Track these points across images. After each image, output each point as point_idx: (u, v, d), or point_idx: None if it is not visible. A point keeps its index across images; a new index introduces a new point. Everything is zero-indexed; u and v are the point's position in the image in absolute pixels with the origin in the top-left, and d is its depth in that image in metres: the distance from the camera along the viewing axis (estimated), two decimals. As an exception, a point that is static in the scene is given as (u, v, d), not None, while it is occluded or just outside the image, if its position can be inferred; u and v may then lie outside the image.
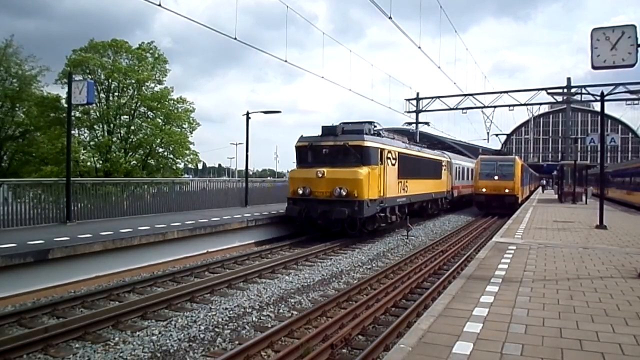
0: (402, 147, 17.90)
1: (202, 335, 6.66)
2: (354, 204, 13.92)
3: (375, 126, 16.58)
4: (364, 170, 14.19)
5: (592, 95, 31.03)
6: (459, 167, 29.56)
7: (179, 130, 32.71)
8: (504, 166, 26.62)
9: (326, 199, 14.30)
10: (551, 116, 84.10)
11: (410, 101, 37.57)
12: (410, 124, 25.30)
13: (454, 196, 27.37)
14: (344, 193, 14.05)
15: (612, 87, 29.02)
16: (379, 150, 15.20)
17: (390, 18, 15.29)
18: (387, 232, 17.73)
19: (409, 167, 18.13)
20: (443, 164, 24.68)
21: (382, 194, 15.22)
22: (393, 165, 16.36)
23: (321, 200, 14.38)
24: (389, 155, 16.00)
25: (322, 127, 15.61)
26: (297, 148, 15.78)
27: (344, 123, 16.04)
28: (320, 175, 14.40)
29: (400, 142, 18.40)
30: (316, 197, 14.51)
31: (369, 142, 14.77)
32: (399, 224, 18.08)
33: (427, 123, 26.05)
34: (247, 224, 14.47)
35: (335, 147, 14.80)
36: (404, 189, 17.53)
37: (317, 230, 15.39)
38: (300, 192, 14.72)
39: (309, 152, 15.40)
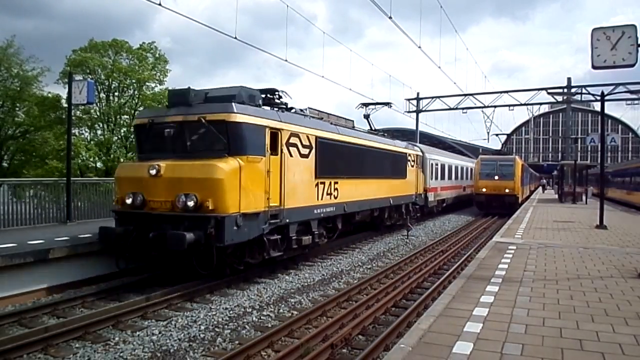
0: (323, 130, 11.81)
1: (202, 335, 6.67)
2: (207, 222, 8.11)
3: (278, 96, 11.02)
4: (227, 165, 8.39)
5: (592, 95, 31.05)
6: (437, 164, 23.93)
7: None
8: (504, 166, 26.65)
9: (167, 214, 8.49)
10: (551, 116, 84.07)
11: (411, 101, 37.67)
12: (366, 105, 17.76)
13: (429, 200, 21.94)
14: (192, 204, 8.23)
15: (612, 87, 29.02)
16: (268, 131, 9.36)
17: (390, 18, 15.33)
18: (387, 232, 17.69)
19: (342, 161, 12.65)
20: (409, 157, 18.73)
21: (276, 203, 9.56)
22: (304, 156, 10.72)
23: (158, 215, 8.59)
24: (295, 140, 10.31)
25: (169, 91, 10.34)
26: (136, 128, 10.22)
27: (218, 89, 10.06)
28: (154, 172, 8.57)
29: (327, 123, 12.64)
30: (151, 210, 8.71)
31: (244, 116, 8.86)
32: (327, 246, 13.00)
33: (389, 104, 18.46)
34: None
35: (186, 124, 9.06)
36: (330, 194, 11.95)
37: (164, 265, 9.50)
38: (129, 201, 8.88)
39: (149, 135, 9.60)
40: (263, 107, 10.17)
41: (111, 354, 5.93)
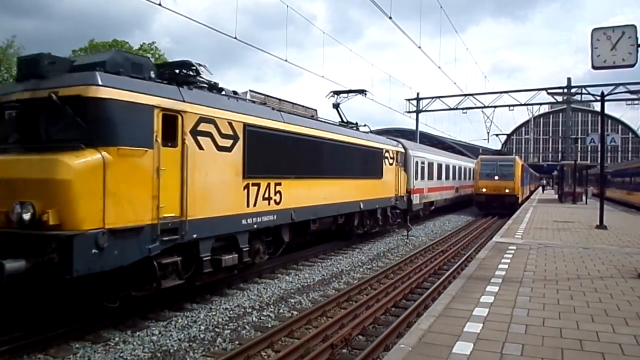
0: (257, 116, 9.18)
1: (202, 335, 6.67)
2: (46, 243, 5.67)
3: (195, 71, 8.21)
4: (79, 160, 5.89)
5: (592, 95, 31.06)
6: (424, 162, 21.53)
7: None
8: (504, 166, 26.67)
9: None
10: (551, 116, 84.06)
11: (411, 101, 37.69)
12: (337, 93, 15.83)
13: (414, 203, 19.42)
14: (28, 217, 5.80)
15: (612, 87, 29.03)
16: (159, 114, 6.85)
17: (390, 18, 15.34)
18: (387, 232, 17.67)
19: (288, 157, 10.19)
20: (387, 154, 16.16)
21: (174, 213, 7.01)
22: (225, 149, 8.18)
23: None
24: (207, 127, 7.75)
25: (18, 59, 7.62)
26: None
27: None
28: None
29: (267, 108, 9.95)
30: None
31: (113, 90, 6.33)
32: (267, 264, 10.47)
33: (363, 92, 16.15)
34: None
35: (36, 103, 6.43)
36: (269, 198, 9.43)
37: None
38: None
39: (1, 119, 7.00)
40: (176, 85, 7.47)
41: (111, 354, 5.94)
